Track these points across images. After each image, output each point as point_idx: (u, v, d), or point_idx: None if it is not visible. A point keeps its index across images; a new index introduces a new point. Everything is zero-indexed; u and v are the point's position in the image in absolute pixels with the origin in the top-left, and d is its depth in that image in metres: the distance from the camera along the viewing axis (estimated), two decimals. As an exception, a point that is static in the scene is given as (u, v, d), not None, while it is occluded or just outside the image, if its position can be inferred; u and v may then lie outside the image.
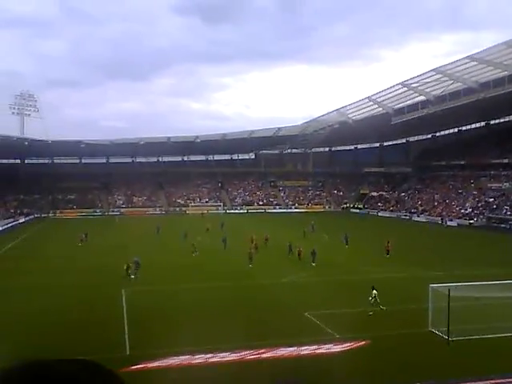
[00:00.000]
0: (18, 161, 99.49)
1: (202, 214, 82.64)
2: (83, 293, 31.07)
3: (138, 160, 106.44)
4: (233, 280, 33.76)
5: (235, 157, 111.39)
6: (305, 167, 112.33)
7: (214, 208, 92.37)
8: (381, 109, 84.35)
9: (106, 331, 24.33)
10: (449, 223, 71.26)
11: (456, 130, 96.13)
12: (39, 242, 53.63)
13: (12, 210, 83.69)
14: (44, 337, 23.15)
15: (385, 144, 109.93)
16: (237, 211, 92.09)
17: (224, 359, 20.93)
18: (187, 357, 21.03)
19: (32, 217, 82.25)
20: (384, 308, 25.08)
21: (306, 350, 20.97)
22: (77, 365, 0.84)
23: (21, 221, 77.62)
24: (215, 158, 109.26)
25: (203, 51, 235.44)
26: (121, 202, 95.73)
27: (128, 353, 21.82)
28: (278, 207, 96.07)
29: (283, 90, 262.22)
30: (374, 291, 25.15)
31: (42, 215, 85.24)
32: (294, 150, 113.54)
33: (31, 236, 59.67)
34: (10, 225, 71.71)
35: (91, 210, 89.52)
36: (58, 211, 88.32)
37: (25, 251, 46.25)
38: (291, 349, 21.36)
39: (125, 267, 35.03)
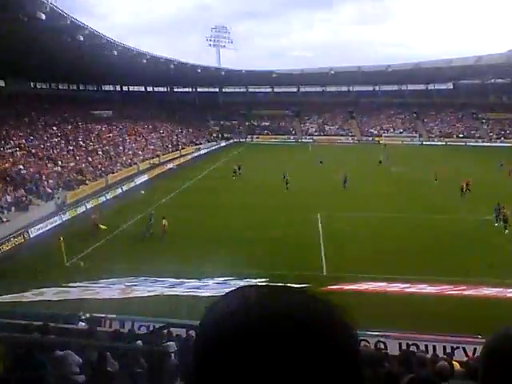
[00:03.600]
0: (217, 89, 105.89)
1: (384, 144, 78.86)
2: (283, 214, 32.43)
3: (329, 89, 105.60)
4: (437, 213, 32.14)
5: (431, 87, 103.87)
6: (511, 99, 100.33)
7: (409, 139, 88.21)
8: None
9: (304, 251, 25.21)
10: None
11: None
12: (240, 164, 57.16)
13: (214, 135, 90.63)
14: (248, 250, 24.86)
15: None
16: (433, 143, 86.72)
17: (421, 291, 20.25)
18: (383, 284, 20.77)
19: (231, 141, 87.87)
20: None
21: None
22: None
23: (222, 144, 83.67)
24: (409, 88, 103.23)
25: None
26: (313, 130, 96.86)
27: (324, 273, 22.36)
28: (480, 140, 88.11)
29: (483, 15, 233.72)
30: None
31: (241, 140, 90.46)
32: (497, 80, 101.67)
33: (232, 158, 63.85)
34: (213, 148, 78.08)
35: (285, 137, 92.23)
36: (254, 136, 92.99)
37: (226, 172, 49.39)
38: (495, 289, 19.71)
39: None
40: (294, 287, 0.75)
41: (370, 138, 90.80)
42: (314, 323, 0.69)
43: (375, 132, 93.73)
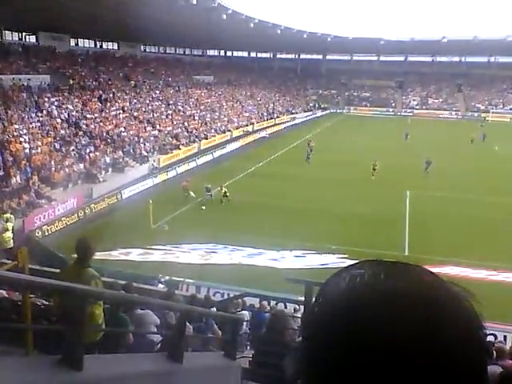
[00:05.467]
0: (320, 56, 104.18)
1: (483, 122, 73.18)
2: (368, 188, 32.06)
3: (438, 59, 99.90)
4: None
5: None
6: None
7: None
8: None
9: (388, 228, 24.93)
10: None
11: None
12: (332, 136, 56.59)
13: (311, 104, 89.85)
14: (330, 224, 25.03)
15: None
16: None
17: (507, 279, 19.53)
18: (467, 269, 20.14)
19: (328, 112, 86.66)
20: None
21: None
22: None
23: (318, 114, 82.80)
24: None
25: None
26: (415, 103, 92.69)
27: (406, 253, 22.01)
28: None
29: None
30: None
31: (338, 111, 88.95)
32: None
33: (326, 130, 63.28)
34: (308, 118, 77.56)
35: (384, 109, 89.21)
36: (352, 108, 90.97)
37: (319, 144, 48.91)
38: None
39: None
40: (416, 265, 0.73)
41: (476, 114, 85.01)
42: (442, 302, 0.66)
43: (482, 107, 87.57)
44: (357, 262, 0.73)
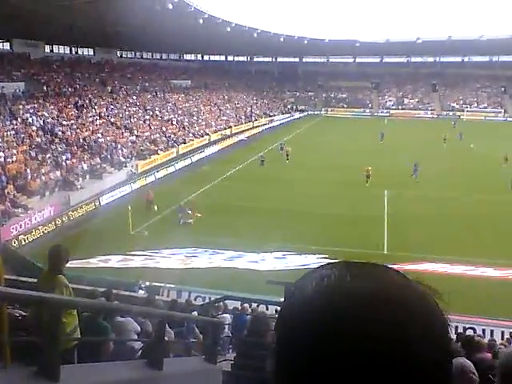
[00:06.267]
0: (297, 59, 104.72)
1: (456, 121, 74.08)
2: (346, 189, 32.30)
3: (413, 60, 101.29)
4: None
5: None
6: None
7: (493, 115, 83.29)
8: None
9: (367, 228, 25.18)
10: None
11: None
12: (310, 138, 56.91)
13: (289, 106, 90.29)
14: (309, 225, 25.15)
15: None
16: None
17: (484, 274, 19.90)
18: (445, 265, 20.49)
19: (306, 113, 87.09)
20: None
21: None
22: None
23: (296, 117, 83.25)
24: (501, 60, 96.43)
25: None
26: (391, 104, 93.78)
27: (386, 252, 22.26)
28: None
29: None
30: None
31: (315, 112, 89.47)
32: None
33: (304, 132, 63.58)
34: (286, 120, 77.93)
35: (361, 110, 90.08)
36: (329, 109, 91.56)
37: (296, 146, 48.80)
38: None
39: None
40: (383, 265, 0.73)
41: (451, 113, 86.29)
42: (409, 302, 0.65)
43: (457, 106, 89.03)
44: (325, 263, 0.73)
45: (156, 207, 28.55)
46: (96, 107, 45.85)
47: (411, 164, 36.29)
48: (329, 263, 0.73)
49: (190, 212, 26.91)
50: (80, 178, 32.40)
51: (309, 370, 0.63)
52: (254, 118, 71.72)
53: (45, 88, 43.23)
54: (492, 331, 13.85)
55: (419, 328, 0.63)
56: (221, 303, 13.00)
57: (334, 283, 0.67)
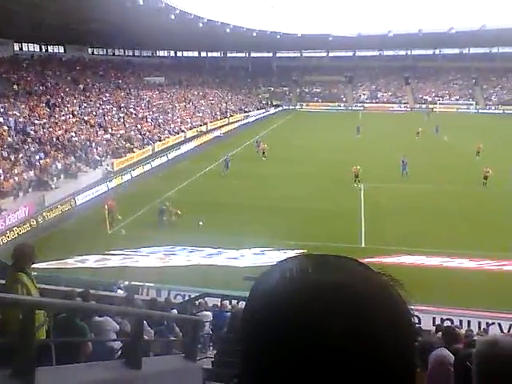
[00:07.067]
0: (271, 54, 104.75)
1: (428, 114, 74.16)
2: (323, 183, 32.44)
3: (386, 53, 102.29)
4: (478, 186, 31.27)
5: (495, 50, 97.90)
6: None
7: (465, 107, 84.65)
8: None
9: (344, 222, 25.33)
10: None
11: None
12: (286, 133, 57.01)
13: (264, 102, 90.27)
14: (286, 220, 25.20)
15: None
16: (490, 111, 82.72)
17: (460, 265, 20.16)
18: (422, 257, 20.74)
19: (281, 109, 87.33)
20: None
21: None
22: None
23: (271, 112, 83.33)
24: (471, 52, 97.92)
25: None
26: (365, 97, 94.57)
27: (363, 245, 22.44)
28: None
29: None
30: None
31: (290, 107, 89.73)
32: None
33: (279, 127, 63.68)
34: (262, 115, 77.93)
35: (335, 104, 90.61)
36: (304, 104, 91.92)
37: (272, 142, 48.81)
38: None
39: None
40: (346, 257, 0.72)
41: (424, 106, 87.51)
42: (372, 293, 0.65)
43: (429, 99, 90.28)
44: (287, 257, 0.72)
45: (119, 215, 26.31)
46: (68, 106, 45.11)
47: (399, 161, 35.55)
48: (291, 256, 0.72)
49: (178, 212, 25.96)
50: (54, 178, 31.84)
51: (274, 367, 0.61)
52: (229, 114, 71.50)
53: (15, 87, 42.37)
54: (469, 322, 14.00)
55: (383, 319, 0.63)
56: (201, 300, 12.95)
57: (295, 277, 0.66)
